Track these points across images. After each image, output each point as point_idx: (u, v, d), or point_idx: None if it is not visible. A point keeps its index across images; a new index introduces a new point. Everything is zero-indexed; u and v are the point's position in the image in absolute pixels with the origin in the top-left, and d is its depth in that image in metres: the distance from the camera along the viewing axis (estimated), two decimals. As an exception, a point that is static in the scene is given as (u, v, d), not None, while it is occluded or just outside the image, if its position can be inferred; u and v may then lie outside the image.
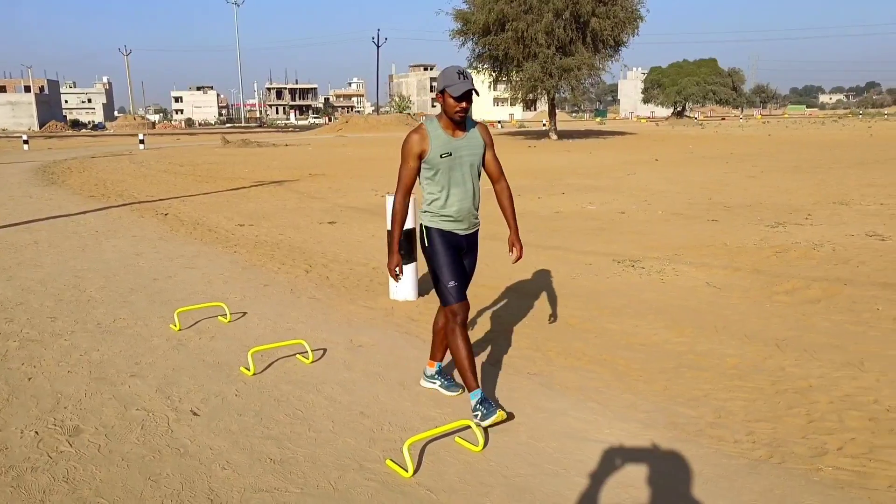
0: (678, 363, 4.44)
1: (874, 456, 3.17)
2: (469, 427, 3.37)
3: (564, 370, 4.34)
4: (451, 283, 3.53)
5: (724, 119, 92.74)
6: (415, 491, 2.91)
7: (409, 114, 70.55)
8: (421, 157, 3.48)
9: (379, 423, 3.58)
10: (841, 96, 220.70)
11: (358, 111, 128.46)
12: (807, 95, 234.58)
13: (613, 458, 3.17)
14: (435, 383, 3.99)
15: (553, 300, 5.97)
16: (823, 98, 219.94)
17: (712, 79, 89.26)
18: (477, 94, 3.45)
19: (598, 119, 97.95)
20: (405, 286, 5.94)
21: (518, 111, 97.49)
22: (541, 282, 6.62)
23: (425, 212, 3.60)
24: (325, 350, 4.71)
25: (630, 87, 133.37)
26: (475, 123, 3.63)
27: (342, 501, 2.83)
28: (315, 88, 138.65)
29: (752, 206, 11.65)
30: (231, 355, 4.62)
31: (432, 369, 4.00)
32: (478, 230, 3.73)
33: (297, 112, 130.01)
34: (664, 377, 4.20)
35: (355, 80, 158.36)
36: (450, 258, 3.56)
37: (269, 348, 4.57)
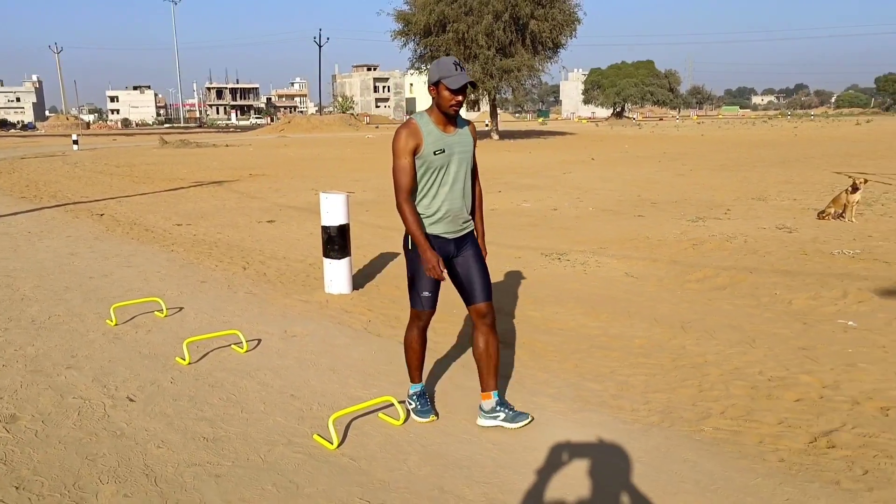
0: (591, 344, 4.81)
1: (750, 417, 3.58)
2: (392, 405, 3.65)
3: (486, 353, 4.65)
4: (426, 294, 3.42)
5: (661, 119, 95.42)
6: (338, 460, 3.17)
7: (352, 114, 70.38)
8: (415, 152, 3.26)
9: (308, 403, 3.82)
10: (772, 97, 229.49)
11: (301, 111, 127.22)
12: (740, 97, 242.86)
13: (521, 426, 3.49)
14: (497, 418, 3.50)
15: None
16: (756, 99, 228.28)
17: (650, 80, 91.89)
18: (474, 87, 3.27)
19: (540, 119, 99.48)
20: (339, 280, 6.16)
21: (461, 112, 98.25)
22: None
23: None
24: (259, 340, 4.92)
25: (572, 88, 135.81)
26: (466, 122, 3.45)
27: (270, 471, 3.07)
28: (256, 88, 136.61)
29: (677, 202, 12.25)
30: (167, 347, 4.78)
31: (490, 402, 3.52)
32: (471, 231, 3.53)
33: (239, 112, 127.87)
34: (576, 357, 4.56)
35: (298, 79, 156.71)
36: None
37: (204, 339, 4.75)
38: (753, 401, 3.79)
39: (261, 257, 7.90)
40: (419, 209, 3.35)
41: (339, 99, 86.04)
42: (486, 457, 3.20)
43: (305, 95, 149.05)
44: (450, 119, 3.31)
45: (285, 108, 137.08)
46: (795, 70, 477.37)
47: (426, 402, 3.65)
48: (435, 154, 3.25)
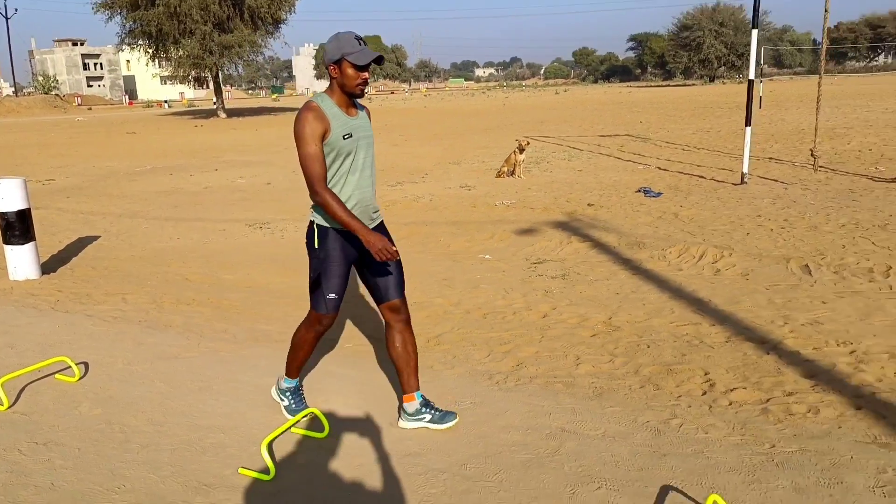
0: (273, 297, 5.46)
1: (384, 334, 4.48)
2: (68, 366, 3.95)
3: (173, 314, 5.08)
4: (332, 296, 3.12)
5: (393, 93, 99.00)
6: (9, 417, 3.45)
7: (57, 95, 63.09)
8: (323, 138, 2.94)
9: (-19, 378, 3.96)
10: (492, 70, 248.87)
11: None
12: (465, 69, 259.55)
13: (191, 365, 4.04)
14: (423, 419, 3.28)
15: (178, 262, 6.63)
16: (479, 72, 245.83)
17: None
18: (380, 62, 2.93)
19: (273, 96, 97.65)
20: (24, 266, 6.08)
21: (189, 90, 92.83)
22: (174, 248, 7.21)
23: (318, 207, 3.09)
24: (-71, 332, 4.81)
25: (304, 63, 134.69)
26: (363, 106, 3.17)
27: (-64, 438, 3.27)
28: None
29: (385, 169, 13.36)
30: None
31: (414, 404, 3.30)
32: (381, 222, 3.27)
33: None
34: (256, 308, 5.18)
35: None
36: (341, 269, 3.12)
37: None
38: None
39: (-65, 253, 7.33)
40: None
41: (40, 78, 76.23)
42: (156, 393, 3.70)
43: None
44: (352, 101, 3.05)
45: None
46: (511, 45, 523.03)
47: (301, 398, 3.42)
48: (344, 139, 2.97)
